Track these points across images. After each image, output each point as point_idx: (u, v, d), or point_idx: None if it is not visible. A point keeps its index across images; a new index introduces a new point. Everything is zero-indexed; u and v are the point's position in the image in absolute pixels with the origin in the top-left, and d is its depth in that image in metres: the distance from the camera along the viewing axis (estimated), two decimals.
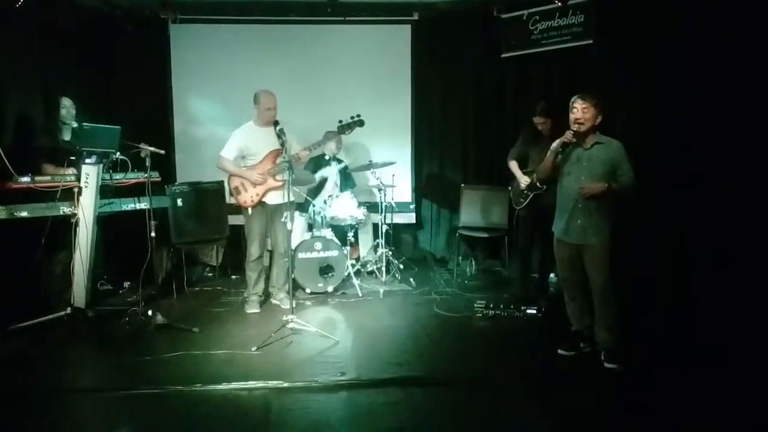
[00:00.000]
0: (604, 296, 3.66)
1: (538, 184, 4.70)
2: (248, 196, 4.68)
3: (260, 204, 4.71)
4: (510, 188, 5.25)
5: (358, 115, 4.66)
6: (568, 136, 3.61)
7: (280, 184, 4.62)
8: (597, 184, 3.54)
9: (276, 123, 4.43)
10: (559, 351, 3.86)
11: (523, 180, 4.89)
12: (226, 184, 4.89)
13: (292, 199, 4.26)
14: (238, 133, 4.72)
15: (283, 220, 4.44)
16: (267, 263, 5.12)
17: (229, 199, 4.97)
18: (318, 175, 5.73)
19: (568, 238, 3.74)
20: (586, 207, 3.63)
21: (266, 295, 5.06)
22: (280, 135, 4.29)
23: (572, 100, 3.62)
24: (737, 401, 3.13)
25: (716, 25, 4.16)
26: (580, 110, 3.56)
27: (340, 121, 4.68)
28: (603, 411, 3.16)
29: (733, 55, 4.02)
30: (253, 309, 4.82)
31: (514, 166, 5.02)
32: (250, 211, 4.71)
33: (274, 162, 4.64)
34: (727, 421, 2.95)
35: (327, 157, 5.87)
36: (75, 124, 4.59)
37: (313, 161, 5.83)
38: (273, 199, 4.72)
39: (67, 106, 4.72)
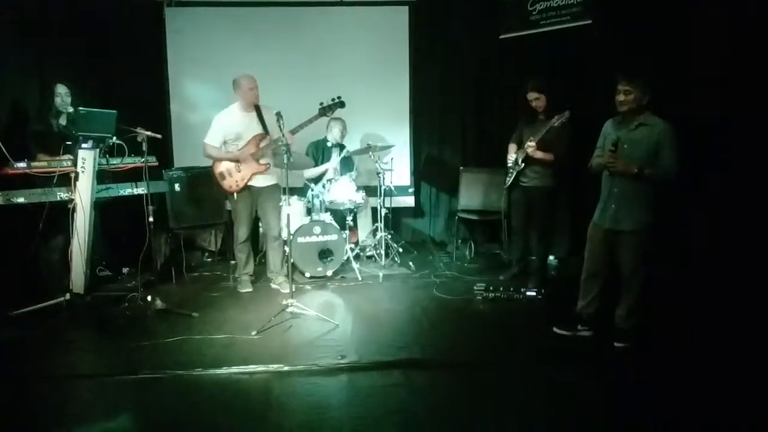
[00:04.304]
0: (629, 283, 3.62)
1: (519, 160, 4.76)
2: (233, 181, 4.69)
3: (246, 188, 4.73)
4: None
5: (339, 97, 4.73)
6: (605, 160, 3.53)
7: (264, 168, 4.64)
8: (627, 164, 3.44)
9: (257, 107, 4.45)
10: (554, 329, 3.88)
11: (510, 157, 4.90)
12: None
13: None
14: (219, 119, 4.70)
15: (281, 204, 4.43)
16: (263, 247, 5.10)
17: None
18: (320, 170, 5.71)
19: (601, 222, 3.68)
20: (620, 193, 3.54)
21: (257, 275, 5.12)
22: (278, 119, 4.21)
23: (617, 78, 3.50)
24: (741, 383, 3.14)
25: (715, 3, 4.12)
26: (622, 92, 3.46)
27: (321, 104, 4.67)
28: (602, 392, 3.17)
29: (733, 34, 3.99)
30: (246, 288, 4.91)
31: (511, 148, 5.00)
32: (235, 196, 4.74)
33: (258, 146, 4.64)
34: (728, 416, 2.96)
35: (329, 144, 5.83)
36: (71, 109, 4.55)
37: (313, 145, 5.80)
38: (259, 182, 4.72)
39: (62, 94, 4.66)
